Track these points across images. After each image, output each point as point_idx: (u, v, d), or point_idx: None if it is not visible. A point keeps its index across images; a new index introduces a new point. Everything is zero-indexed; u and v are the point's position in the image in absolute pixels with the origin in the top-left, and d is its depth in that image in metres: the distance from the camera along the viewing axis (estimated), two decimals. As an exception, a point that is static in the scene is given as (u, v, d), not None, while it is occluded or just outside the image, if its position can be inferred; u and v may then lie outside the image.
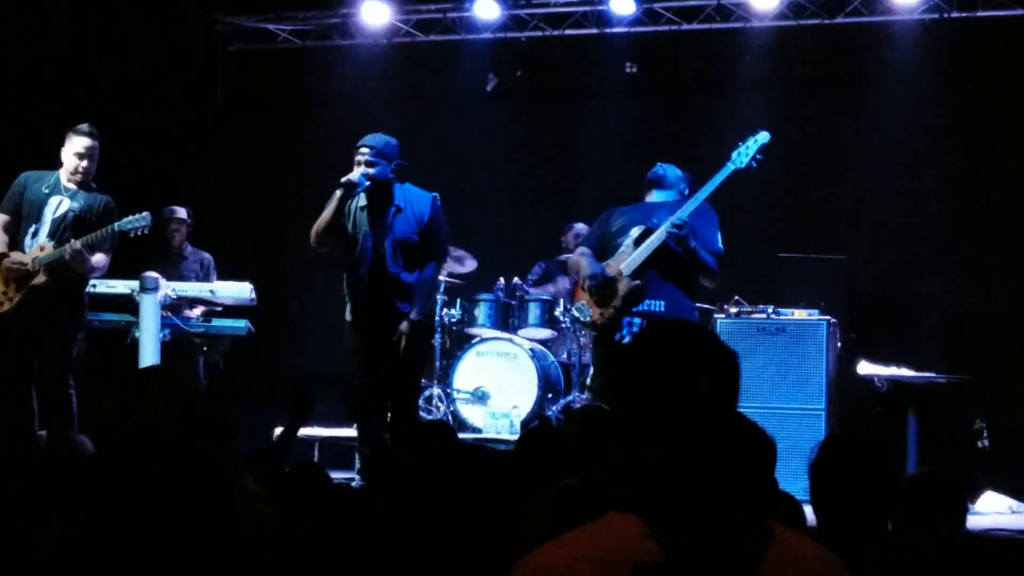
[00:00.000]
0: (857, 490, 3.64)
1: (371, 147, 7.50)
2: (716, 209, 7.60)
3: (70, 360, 8.18)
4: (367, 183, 7.42)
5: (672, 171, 7.66)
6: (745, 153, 7.43)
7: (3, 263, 8.08)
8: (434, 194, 7.70)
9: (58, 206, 8.16)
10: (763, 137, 7.50)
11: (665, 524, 2.13)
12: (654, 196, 7.60)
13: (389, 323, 7.53)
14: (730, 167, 7.42)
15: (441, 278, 10.30)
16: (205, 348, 10.40)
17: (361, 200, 7.55)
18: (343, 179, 7.45)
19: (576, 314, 7.71)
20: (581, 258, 7.56)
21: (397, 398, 7.76)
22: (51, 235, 8.11)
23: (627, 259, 7.29)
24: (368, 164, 7.45)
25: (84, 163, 8.16)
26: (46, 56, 10.45)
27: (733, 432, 2.28)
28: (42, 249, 8.05)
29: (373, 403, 7.63)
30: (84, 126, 8.21)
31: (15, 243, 8.16)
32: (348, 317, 7.71)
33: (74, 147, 8.17)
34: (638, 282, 7.22)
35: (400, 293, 7.52)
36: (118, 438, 3.39)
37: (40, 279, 8.02)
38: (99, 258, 8.12)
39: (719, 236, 7.40)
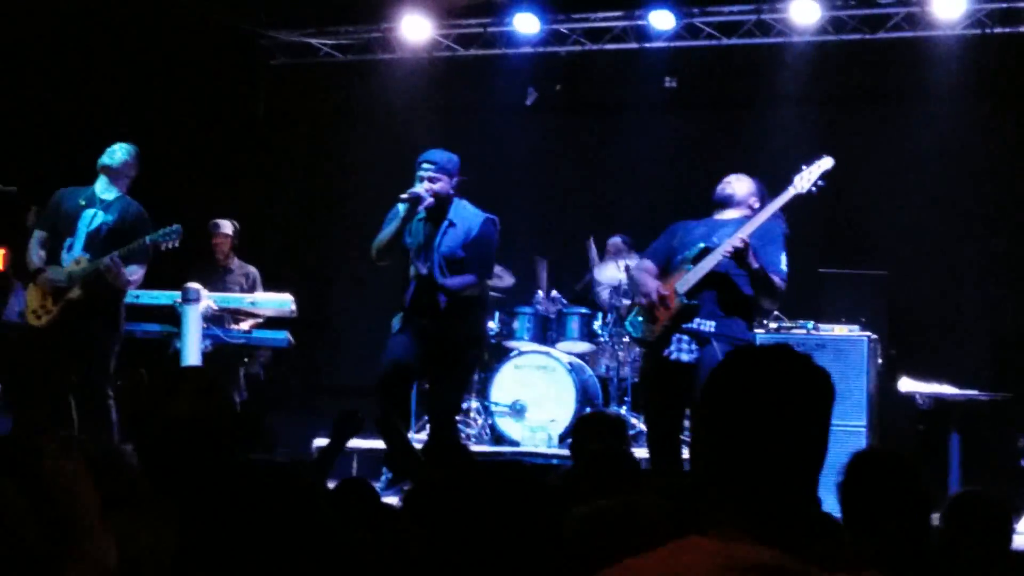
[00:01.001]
0: (887, 506, 3.63)
1: (434, 163, 7.51)
2: (784, 231, 7.39)
3: (108, 370, 8.24)
4: (431, 199, 7.44)
5: (741, 186, 7.46)
6: (807, 179, 7.25)
7: (40, 277, 8.16)
8: (490, 216, 7.69)
9: (92, 219, 8.22)
10: (826, 163, 7.23)
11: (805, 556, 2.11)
12: (722, 213, 7.46)
13: (435, 333, 7.56)
14: (791, 191, 7.18)
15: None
16: (246, 359, 10.46)
17: (420, 213, 7.56)
18: (408, 193, 7.45)
19: (629, 328, 7.54)
20: (639, 273, 7.48)
21: (436, 410, 7.80)
22: (86, 248, 8.17)
23: (682, 277, 7.21)
24: (431, 180, 7.47)
25: (119, 181, 8.27)
26: (90, 71, 10.54)
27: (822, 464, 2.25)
28: (78, 263, 8.11)
29: (396, 412, 7.65)
30: (131, 145, 8.38)
31: (53, 258, 8.23)
32: (396, 326, 7.71)
33: (118, 163, 8.30)
34: (691, 302, 7.13)
35: (448, 304, 7.52)
36: (151, 433, 3.42)
37: (76, 292, 8.08)
38: (134, 270, 8.18)
39: (783, 257, 7.20)
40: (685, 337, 7.09)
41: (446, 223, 7.55)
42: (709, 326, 7.09)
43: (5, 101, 9.76)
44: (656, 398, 7.41)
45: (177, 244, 8.31)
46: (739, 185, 7.44)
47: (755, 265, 6.99)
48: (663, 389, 7.26)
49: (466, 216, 7.60)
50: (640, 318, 7.34)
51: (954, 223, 11.22)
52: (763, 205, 7.36)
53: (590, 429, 5.86)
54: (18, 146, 9.83)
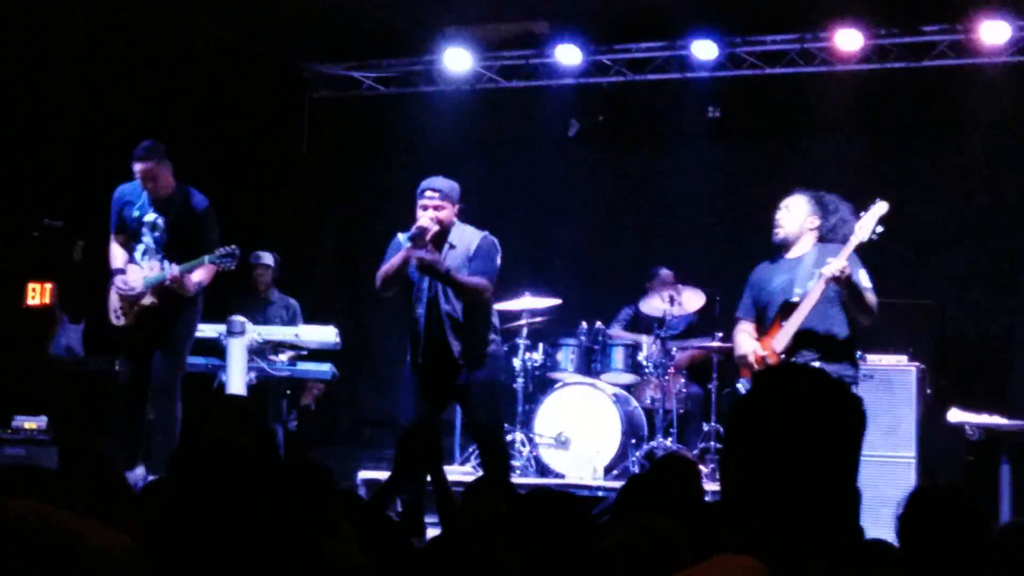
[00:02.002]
0: (947, 543, 3.58)
1: (437, 191, 7.51)
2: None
3: (180, 364, 8.38)
4: (436, 228, 7.44)
5: (791, 221, 7.32)
6: (866, 227, 7.12)
7: (116, 284, 8.32)
8: (486, 233, 7.69)
9: (154, 225, 8.33)
10: (881, 208, 7.13)
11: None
12: (791, 251, 7.35)
13: (444, 363, 7.57)
14: (854, 241, 7.09)
15: (522, 322, 10.34)
16: (287, 391, 10.48)
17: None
18: (414, 231, 7.42)
19: (740, 390, 7.59)
20: (737, 336, 7.46)
21: (482, 432, 7.78)
22: (157, 251, 8.31)
23: (777, 336, 7.18)
24: (436, 208, 7.46)
25: (150, 184, 8.29)
26: (133, 104, 10.56)
27: (853, 486, 2.24)
28: (151, 269, 8.24)
29: (421, 447, 7.60)
30: (138, 149, 8.36)
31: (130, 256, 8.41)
32: (408, 358, 7.74)
33: (136, 174, 8.34)
34: (792, 360, 7.10)
35: (454, 330, 7.54)
36: (182, 458, 3.45)
37: (149, 299, 8.20)
38: (200, 275, 8.25)
39: (862, 274, 7.17)
40: None
41: (447, 246, 7.55)
42: (813, 358, 7.09)
43: (49, 135, 9.79)
44: None
45: (234, 267, 8.37)
46: (789, 221, 7.36)
47: (854, 285, 6.97)
48: None
49: (465, 236, 7.61)
50: (745, 380, 7.37)
51: (1002, 252, 11.12)
52: (825, 212, 7.31)
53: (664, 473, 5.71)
54: (63, 180, 9.86)
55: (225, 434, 3.38)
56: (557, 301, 10.72)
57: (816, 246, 7.29)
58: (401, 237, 7.60)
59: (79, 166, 9.96)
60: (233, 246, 8.33)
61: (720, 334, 10.49)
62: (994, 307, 11.03)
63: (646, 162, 12.67)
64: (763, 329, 7.35)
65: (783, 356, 7.13)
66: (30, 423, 8.24)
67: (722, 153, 12.20)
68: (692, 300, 10.63)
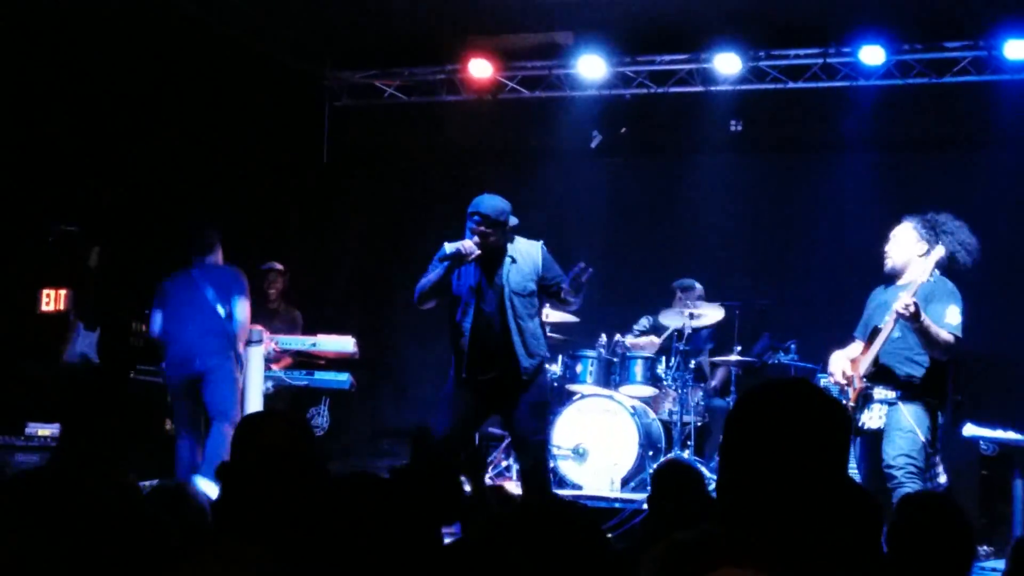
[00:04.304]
0: (933, 549, 3.70)
1: (485, 215, 7.41)
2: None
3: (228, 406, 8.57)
4: (478, 252, 7.39)
5: (898, 252, 7.34)
6: (926, 269, 7.07)
7: None
8: (541, 243, 7.67)
9: None
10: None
11: None
12: (901, 279, 7.36)
13: (506, 378, 7.53)
14: (918, 280, 7.07)
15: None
16: (321, 402, 10.50)
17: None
18: (454, 250, 7.38)
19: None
20: (834, 353, 7.53)
21: (531, 451, 7.76)
22: None
23: (862, 361, 7.24)
24: (482, 235, 7.40)
25: None
26: (152, 110, 10.54)
27: (841, 493, 2.26)
28: None
29: (451, 455, 7.58)
30: None
31: None
32: (452, 372, 7.67)
33: None
34: (864, 385, 7.17)
35: (524, 346, 7.52)
36: (244, 465, 3.53)
37: None
38: None
39: (948, 311, 7.12)
40: (875, 406, 7.11)
41: (508, 259, 7.51)
42: (893, 396, 7.13)
43: (65, 140, 9.75)
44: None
45: None
46: (896, 251, 7.36)
47: (920, 322, 6.92)
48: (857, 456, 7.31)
49: (524, 250, 7.59)
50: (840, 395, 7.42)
51: (1020, 268, 11.06)
52: (935, 236, 7.26)
53: (668, 482, 5.75)
54: (79, 185, 9.80)
55: (283, 438, 3.45)
56: (575, 319, 10.69)
57: (934, 276, 7.19)
58: (448, 247, 7.48)
59: (95, 171, 9.93)
60: None
61: (739, 347, 10.49)
62: (1010, 322, 10.97)
63: (668, 174, 12.66)
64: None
65: (864, 380, 7.18)
66: (44, 430, 8.25)
67: (744, 166, 12.19)
68: (712, 314, 10.60)
